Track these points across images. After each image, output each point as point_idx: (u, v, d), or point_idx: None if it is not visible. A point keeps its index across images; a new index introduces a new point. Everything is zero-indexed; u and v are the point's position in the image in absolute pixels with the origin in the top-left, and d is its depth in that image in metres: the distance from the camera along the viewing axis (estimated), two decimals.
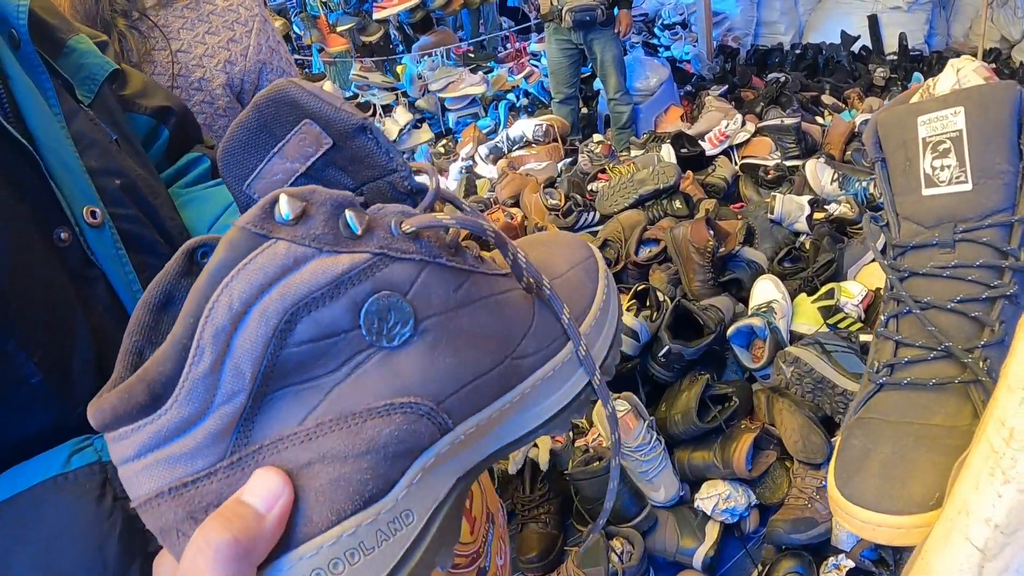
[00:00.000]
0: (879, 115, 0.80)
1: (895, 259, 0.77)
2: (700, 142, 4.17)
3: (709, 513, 2.22)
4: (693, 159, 3.99)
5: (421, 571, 0.46)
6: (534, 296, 0.56)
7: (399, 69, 6.62)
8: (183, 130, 1.05)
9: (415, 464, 0.46)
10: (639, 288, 2.64)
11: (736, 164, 4.09)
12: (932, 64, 6.23)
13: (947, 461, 0.62)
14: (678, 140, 4.08)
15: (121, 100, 0.95)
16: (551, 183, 3.95)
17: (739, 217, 3.26)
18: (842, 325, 2.48)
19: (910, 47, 6.49)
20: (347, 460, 0.43)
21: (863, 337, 2.44)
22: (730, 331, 2.49)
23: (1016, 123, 0.72)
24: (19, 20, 0.75)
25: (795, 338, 2.50)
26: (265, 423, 0.43)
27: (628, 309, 2.56)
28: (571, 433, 2.63)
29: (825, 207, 3.27)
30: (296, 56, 6.82)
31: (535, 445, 2.49)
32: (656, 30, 7.67)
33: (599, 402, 0.58)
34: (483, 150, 5.20)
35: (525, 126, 5.12)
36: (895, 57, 6.47)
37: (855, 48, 6.77)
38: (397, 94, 6.46)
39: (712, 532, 2.21)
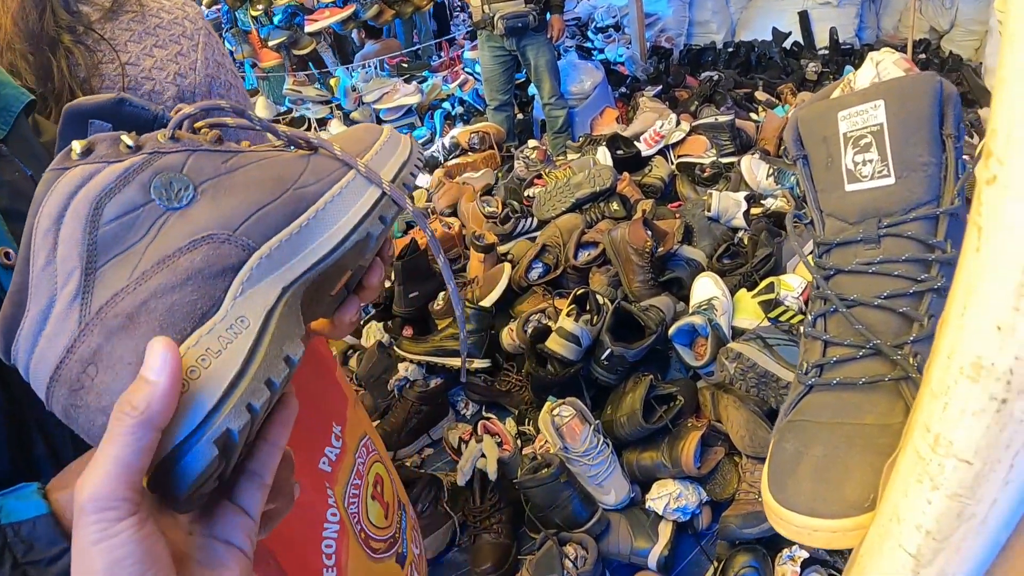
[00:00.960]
0: (799, 112, 0.80)
1: (820, 257, 0.76)
2: (636, 143, 4.18)
3: (661, 513, 2.21)
4: (629, 160, 3.99)
5: (273, 361, 0.54)
6: (307, 152, 0.67)
7: (332, 82, 6.57)
8: None
9: (234, 280, 0.55)
10: (579, 293, 2.63)
11: (672, 163, 4.10)
12: (863, 57, 6.32)
13: (881, 461, 0.61)
14: (614, 142, 4.08)
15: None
16: (488, 191, 3.94)
17: (677, 216, 3.26)
18: (783, 318, 2.49)
19: (841, 41, 6.61)
20: (174, 290, 0.52)
21: None
22: (671, 330, 2.48)
23: (938, 114, 0.72)
24: None
25: (737, 334, 2.51)
26: (101, 291, 0.52)
27: (568, 314, 2.55)
28: (518, 441, 2.62)
29: (762, 202, 3.29)
30: None
31: (483, 455, 2.48)
32: (589, 33, 7.71)
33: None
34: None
35: (460, 134, 5.10)
36: (826, 52, 6.60)
37: (787, 44, 6.89)
38: (332, 107, 6.40)
39: (665, 532, 2.20)
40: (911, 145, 0.72)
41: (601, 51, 7.23)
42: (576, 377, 2.52)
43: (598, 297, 2.57)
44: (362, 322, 3.29)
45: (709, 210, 3.22)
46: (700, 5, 7.67)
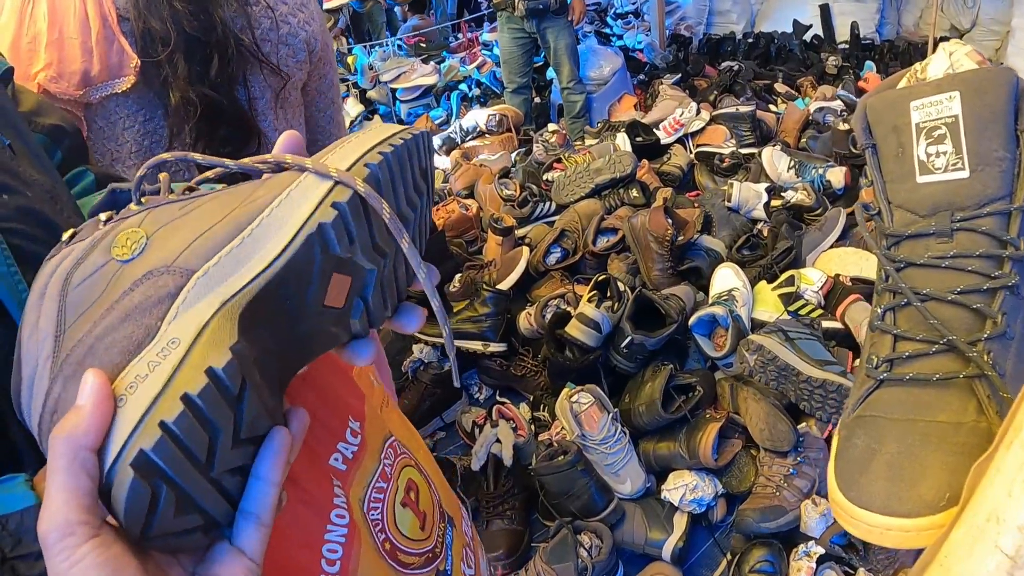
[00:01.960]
0: (868, 99, 0.78)
1: (889, 249, 0.74)
2: (655, 130, 4.16)
3: (676, 504, 2.20)
4: (648, 148, 3.97)
5: (191, 375, 0.52)
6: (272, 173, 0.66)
7: (350, 60, 6.54)
8: (74, 151, 1.01)
9: (171, 307, 0.56)
10: (599, 279, 2.61)
11: (691, 152, 4.09)
12: (884, 53, 6.32)
13: (955, 460, 0.60)
14: (633, 129, 4.06)
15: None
16: (505, 173, 3.91)
17: (696, 205, 3.25)
18: (803, 312, 2.48)
19: (862, 36, 6.58)
20: (115, 329, 0.54)
21: (825, 324, 2.45)
22: (692, 320, 2.48)
23: (1013, 109, 0.70)
24: None
25: (756, 326, 2.51)
26: (66, 347, 0.55)
27: (589, 300, 2.53)
28: (534, 427, 2.61)
29: (782, 194, 3.27)
30: None
31: (497, 440, 2.46)
32: (609, 19, 7.67)
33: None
34: (436, 141, 5.15)
35: (478, 116, 5.07)
36: (847, 46, 6.58)
37: (807, 37, 6.85)
38: (348, 85, 6.38)
39: (680, 523, 2.19)
40: (986, 139, 0.70)
41: (620, 37, 7.21)
42: (594, 364, 2.50)
43: (619, 284, 2.56)
44: None
45: (729, 200, 3.20)
46: None
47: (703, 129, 4.18)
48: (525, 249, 3.03)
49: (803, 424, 2.26)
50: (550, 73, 6.07)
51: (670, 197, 3.22)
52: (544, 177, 3.79)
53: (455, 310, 2.90)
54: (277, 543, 0.98)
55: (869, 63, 5.97)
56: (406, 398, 2.76)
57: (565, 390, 2.41)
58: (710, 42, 7.02)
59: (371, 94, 6.37)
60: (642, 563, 2.19)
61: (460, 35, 7.54)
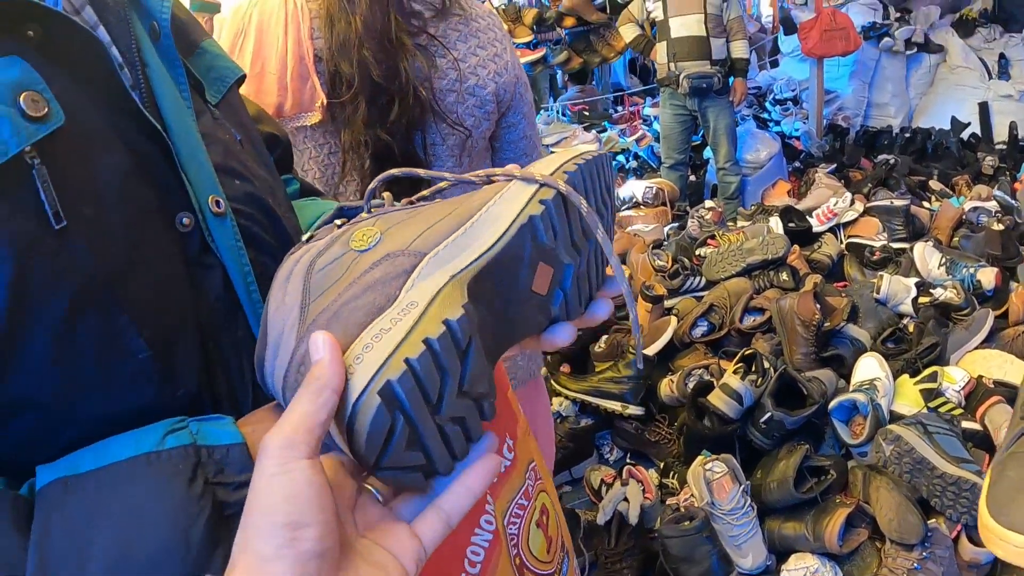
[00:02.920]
0: None
1: None
2: (808, 218, 4.21)
3: None
4: (800, 234, 4.02)
5: (430, 323, 0.59)
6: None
7: None
8: (284, 159, 1.12)
9: (409, 278, 0.64)
10: (747, 352, 2.70)
11: (842, 242, 4.12)
12: None
13: None
14: (786, 214, 4.13)
15: None
16: (658, 244, 4.03)
17: (842, 295, 3.29)
18: (943, 409, 2.48)
19: (1020, 137, 6.45)
20: (358, 298, 0.62)
21: (964, 424, 2.45)
22: (832, 404, 2.52)
23: None
24: (162, 14, 0.79)
25: (895, 418, 2.52)
26: (310, 316, 0.63)
27: (734, 372, 2.62)
28: (661, 492, 2.67)
29: (931, 291, 3.27)
30: None
31: (625, 499, 2.54)
32: (768, 104, 7.71)
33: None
34: None
35: (635, 187, 5.21)
36: (1004, 146, 6.44)
37: (964, 135, 6.75)
38: None
39: None
40: None
41: (778, 123, 7.24)
42: (731, 436, 2.57)
43: (765, 360, 2.64)
44: None
45: (878, 292, 3.22)
46: (880, 87, 7.63)
47: (856, 220, 4.20)
48: (673, 319, 3.14)
49: (932, 520, 2.24)
50: (707, 152, 6.16)
51: (819, 283, 3.28)
52: (696, 252, 3.88)
53: (597, 369, 3.01)
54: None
55: None
56: None
57: (700, 457, 2.47)
58: (867, 134, 6.99)
59: None
60: None
61: (622, 107, 7.70)
